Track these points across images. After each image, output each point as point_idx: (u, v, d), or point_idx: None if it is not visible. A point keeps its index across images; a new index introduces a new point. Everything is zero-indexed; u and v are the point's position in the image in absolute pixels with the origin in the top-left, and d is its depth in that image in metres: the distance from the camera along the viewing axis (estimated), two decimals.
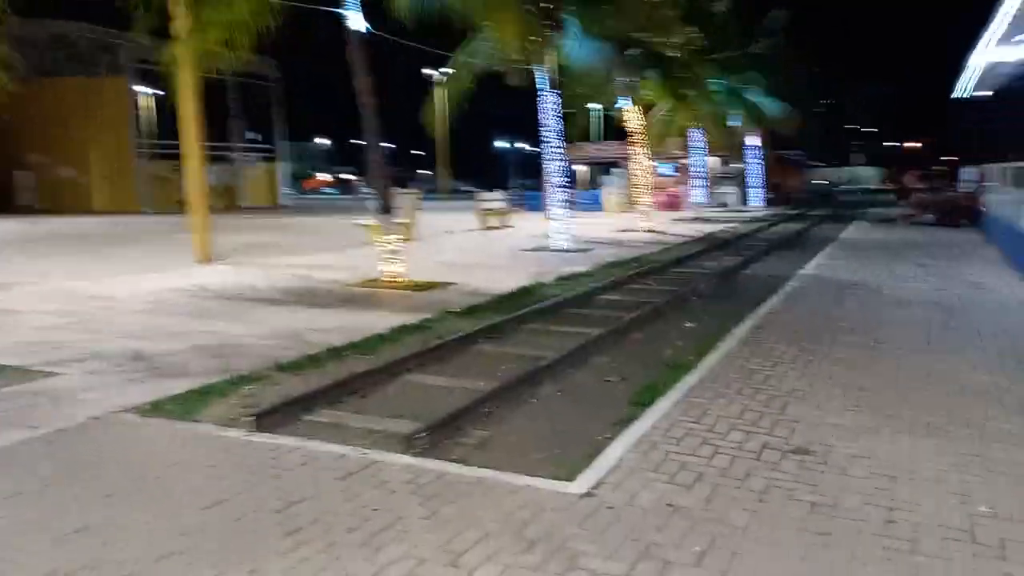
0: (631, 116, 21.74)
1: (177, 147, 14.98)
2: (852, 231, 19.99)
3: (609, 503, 3.72)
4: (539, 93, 16.42)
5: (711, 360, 6.45)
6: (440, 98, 17.28)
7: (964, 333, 7.54)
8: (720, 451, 4.41)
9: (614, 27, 17.14)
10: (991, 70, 20.70)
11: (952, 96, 27.08)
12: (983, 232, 17.42)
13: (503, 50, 14.84)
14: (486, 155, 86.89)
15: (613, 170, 37.46)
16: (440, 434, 4.83)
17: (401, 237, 11.46)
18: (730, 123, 32.17)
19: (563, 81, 16.82)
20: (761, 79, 30.50)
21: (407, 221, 11.18)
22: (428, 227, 18.97)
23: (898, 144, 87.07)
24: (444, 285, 11.01)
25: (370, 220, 11.78)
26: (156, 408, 5.37)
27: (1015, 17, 13.27)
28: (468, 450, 4.77)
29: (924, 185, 22.52)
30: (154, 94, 33.42)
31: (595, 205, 33.84)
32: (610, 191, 34.08)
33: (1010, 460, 4.23)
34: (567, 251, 15.66)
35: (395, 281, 11.08)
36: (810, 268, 12.53)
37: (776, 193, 37.62)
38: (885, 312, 8.64)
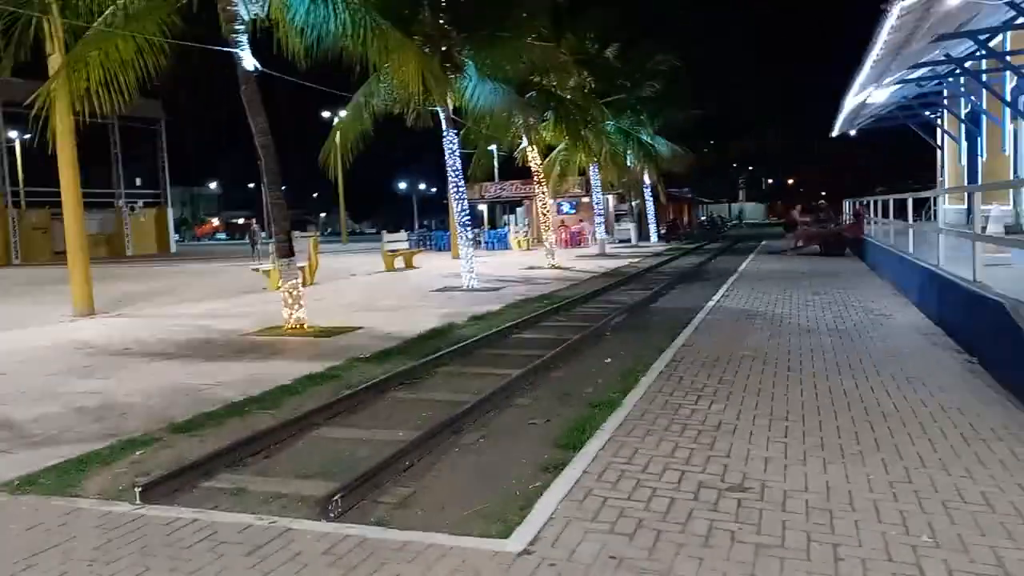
0: (532, 156, 21.99)
1: (55, 194, 13.91)
2: (747, 263, 20.76)
3: (550, 559, 3.45)
4: (444, 133, 16.31)
5: (634, 396, 6.33)
6: (339, 139, 16.86)
7: (867, 358, 7.76)
8: (657, 493, 4.23)
9: (511, 69, 17.34)
10: (859, 111, 22.26)
11: (831, 135, 29.02)
12: (867, 263, 18.43)
13: (403, 91, 14.67)
14: (385, 196, 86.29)
15: (518, 209, 37.86)
16: (357, 494, 4.44)
17: (303, 281, 10.95)
18: (626, 162, 33.21)
19: (465, 122, 16.82)
20: (649, 120, 31.73)
21: (309, 264, 10.70)
22: (331, 270, 18.41)
23: (777, 181, 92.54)
24: (352, 330, 10.55)
25: (269, 264, 11.22)
26: (28, 483, 4.73)
27: (874, 63, 14.26)
28: (390, 510, 4.40)
29: (809, 218, 23.80)
30: (28, 137, 31.33)
31: (502, 243, 34.03)
32: (515, 229, 34.35)
33: (934, 484, 4.24)
34: (477, 290, 15.46)
35: (299, 328, 10.53)
36: (716, 299, 12.81)
37: (670, 229, 39.01)
38: (792, 340, 8.83)
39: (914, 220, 14.69)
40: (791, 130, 72.66)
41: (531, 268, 20.92)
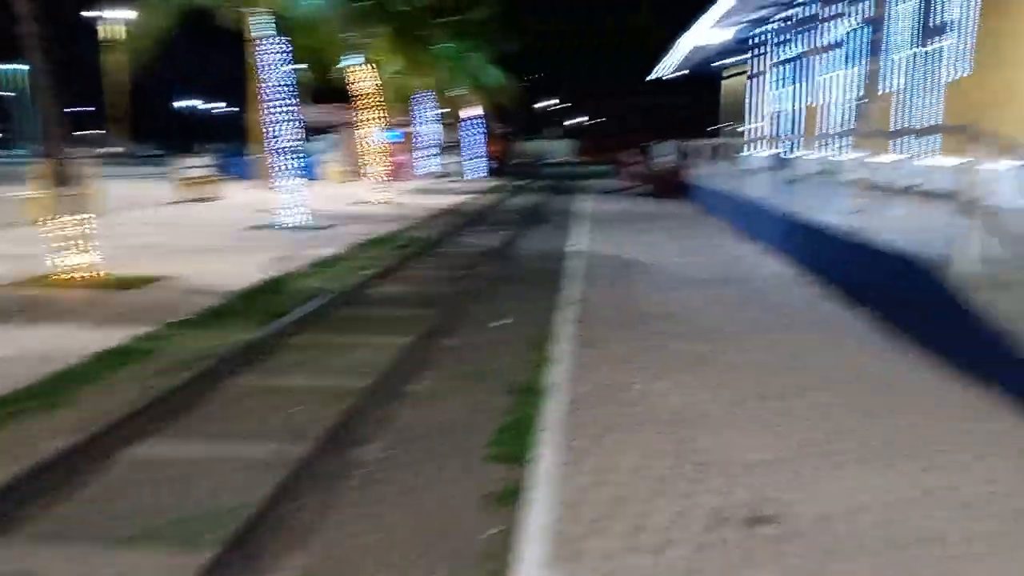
0: (363, 76, 19.62)
1: None
2: (585, 204, 20.18)
3: None
4: (259, 42, 13.69)
5: (560, 374, 5.08)
6: (124, 44, 13.65)
7: (773, 310, 7.14)
8: (665, 535, 3.03)
9: None
10: (694, 53, 22.21)
11: (649, 77, 29.13)
12: (700, 204, 18.47)
13: None
14: (168, 115, 77.20)
15: (328, 136, 34.77)
16: (222, 573, 2.80)
17: (84, 214, 8.41)
18: (455, 91, 31.45)
19: (285, 32, 14.26)
20: (485, 46, 29.95)
21: (88, 192, 8.25)
22: (113, 200, 15.21)
23: (585, 119, 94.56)
24: (157, 280, 8.29)
25: (35, 191, 8.56)
26: None
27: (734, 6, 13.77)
28: None
29: (639, 159, 23.80)
30: None
31: (308, 174, 31.00)
32: (327, 159, 31.47)
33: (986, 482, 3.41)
34: (305, 228, 13.36)
35: (83, 278, 8.10)
36: (575, 244, 11.86)
37: (499, 164, 37.96)
38: (684, 293, 8.01)
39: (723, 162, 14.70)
40: (603, 68, 73.93)
41: (357, 203, 18.87)
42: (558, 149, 71.56)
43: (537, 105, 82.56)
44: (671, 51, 22.81)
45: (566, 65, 78.27)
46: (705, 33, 18.20)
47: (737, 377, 5.05)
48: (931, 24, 12.97)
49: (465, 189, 26.42)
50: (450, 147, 36.07)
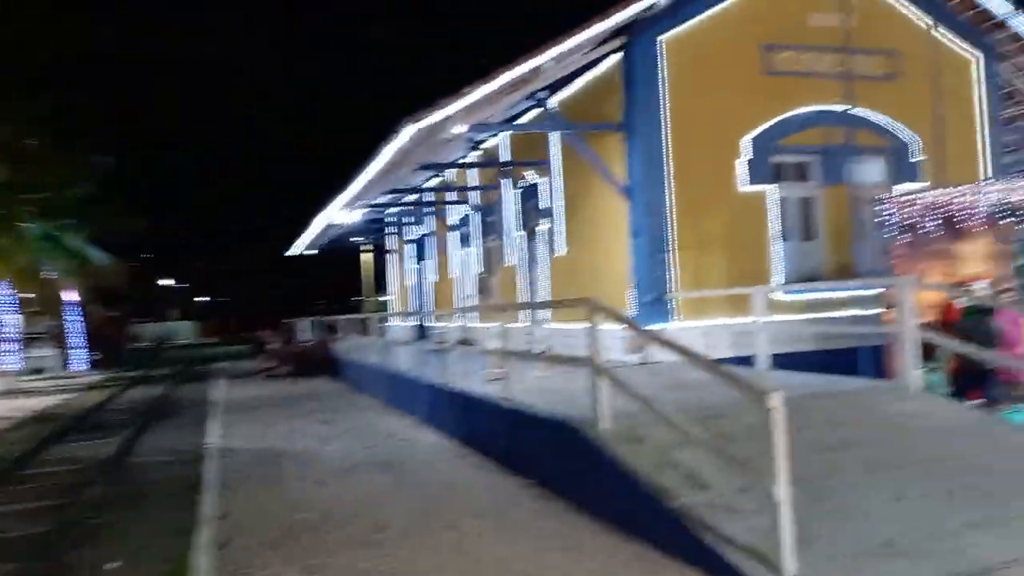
0: None
1: None
2: (222, 390, 18.46)
3: None
4: None
5: None
6: None
7: (435, 495, 6.83)
8: None
9: None
10: (329, 230, 22.68)
11: (286, 254, 28.97)
12: (348, 380, 18.10)
13: None
14: None
15: None
16: None
17: None
18: (46, 274, 27.35)
19: None
20: (84, 225, 26.88)
21: None
22: None
23: (209, 299, 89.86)
24: None
25: None
26: None
27: (366, 184, 14.46)
28: None
29: (280, 338, 22.83)
30: None
31: None
32: None
33: None
34: None
35: None
36: (213, 441, 10.49)
37: (104, 354, 33.31)
38: (342, 485, 7.37)
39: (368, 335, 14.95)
40: (239, 243, 72.21)
41: None
42: (184, 331, 66.36)
43: (162, 283, 76.81)
44: (308, 228, 23.00)
45: (197, 241, 75.07)
46: (336, 213, 18.68)
47: None
48: (536, 210, 14.91)
49: (65, 386, 22.43)
50: (42, 337, 30.91)
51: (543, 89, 11.89)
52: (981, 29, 13.04)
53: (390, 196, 18.97)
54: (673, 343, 5.54)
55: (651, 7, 10.81)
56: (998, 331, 8.08)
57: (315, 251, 28.26)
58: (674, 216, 11.41)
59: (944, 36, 11.64)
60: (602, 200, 12.41)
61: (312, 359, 21.40)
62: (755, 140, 11.87)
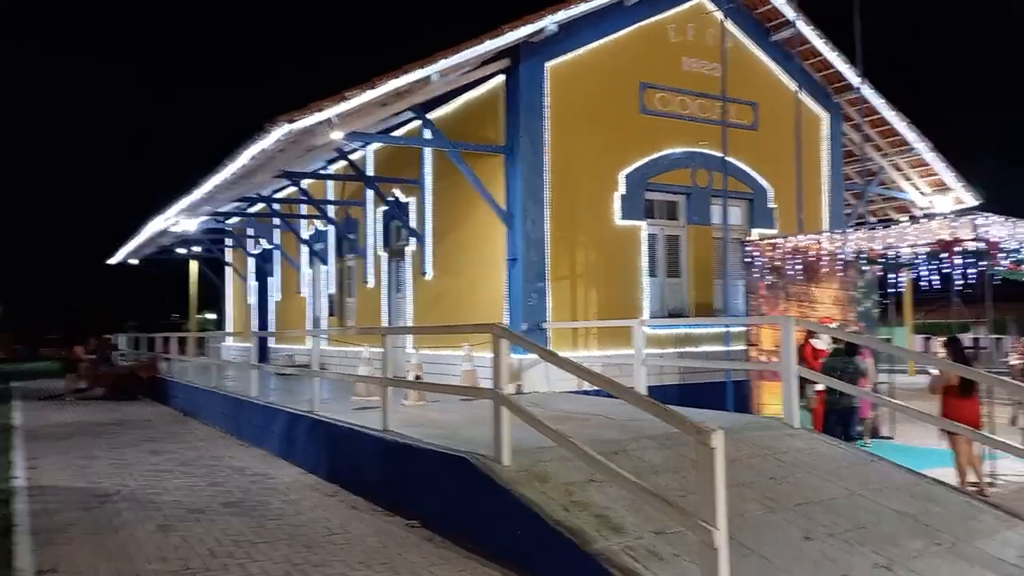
0: None
1: None
2: (18, 415, 15.98)
3: None
4: None
5: None
6: None
7: (306, 544, 6.02)
8: None
9: None
10: (161, 237, 20.63)
11: (108, 262, 26.16)
12: (180, 405, 16.28)
13: None
14: None
15: None
16: None
17: None
18: None
19: None
20: None
21: None
22: None
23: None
24: None
25: None
26: None
27: (216, 187, 13.24)
28: None
29: (94, 356, 20.31)
30: None
31: None
32: None
33: None
34: None
35: None
36: (21, 476, 8.87)
37: None
38: (189, 533, 6.32)
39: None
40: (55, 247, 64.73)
41: None
42: None
43: None
44: (137, 234, 20.82)
45: None
46: (172, 219, 16.99)
47: None
48: (403, 230, 14.27)
49: None
50: None
51: (422, 104, 11.45)
52: (831, 90, 14.17)
53: (235, 204, 17.57)
54: (613, 380, 5.17)
55: (540, 31, 10.71)
56: (864, 370, 8.54)
57: (136, 261, 25.77)
58: (549, 245, 11.29)
59: (800, 93, 12.48)
60: (478, 224, 12.07)
61: (137, 380, 19.20)
62: (628, 176, 12.06)
